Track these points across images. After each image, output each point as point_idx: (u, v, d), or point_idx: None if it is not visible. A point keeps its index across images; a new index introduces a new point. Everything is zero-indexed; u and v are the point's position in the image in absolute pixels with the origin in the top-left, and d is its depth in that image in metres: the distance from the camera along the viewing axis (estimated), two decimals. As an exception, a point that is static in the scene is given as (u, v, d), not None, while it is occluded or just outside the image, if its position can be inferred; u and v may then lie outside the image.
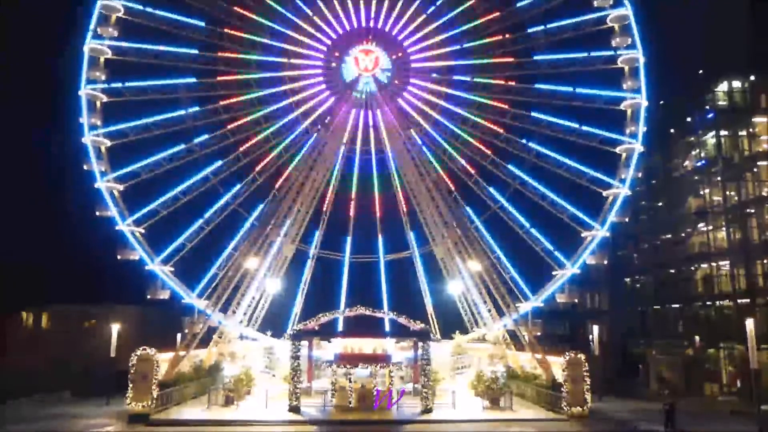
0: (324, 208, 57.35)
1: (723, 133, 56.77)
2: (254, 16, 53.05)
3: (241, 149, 52.85)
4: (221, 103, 52.73)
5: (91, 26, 48.94)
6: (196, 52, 51.70)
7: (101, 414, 39.71)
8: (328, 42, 54.70)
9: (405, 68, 55.41)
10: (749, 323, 34.48)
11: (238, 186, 52.93)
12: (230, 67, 52.75)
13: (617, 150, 50.82)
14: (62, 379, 47.57)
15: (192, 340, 45.02)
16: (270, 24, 53.49)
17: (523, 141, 52.90)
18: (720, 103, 58.05)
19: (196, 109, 51.98)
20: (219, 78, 52.42)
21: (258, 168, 53.38)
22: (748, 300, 51.27)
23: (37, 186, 74.24)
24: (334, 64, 54.71)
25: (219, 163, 52.28)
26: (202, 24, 51.71)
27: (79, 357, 51.36)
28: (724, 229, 55.23)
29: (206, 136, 52.09)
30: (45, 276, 68.42)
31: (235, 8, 52.33)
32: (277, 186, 53.30)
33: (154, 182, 50.37)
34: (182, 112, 51.59)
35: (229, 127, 52.74)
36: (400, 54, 55.08)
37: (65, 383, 47.48)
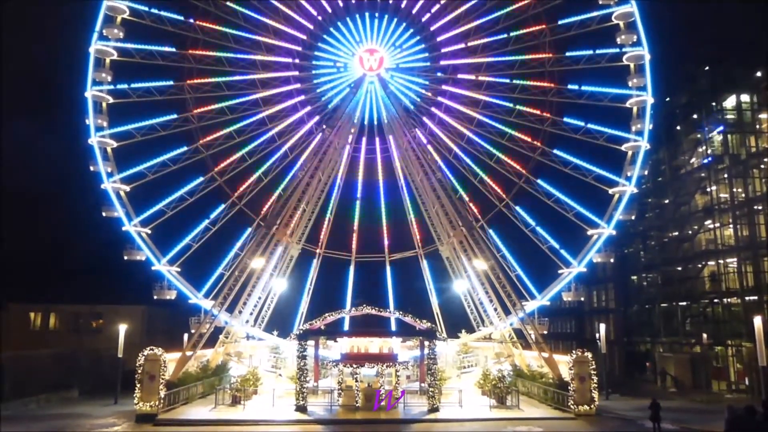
0: (330, 208, 57.43)
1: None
2: (258, 16, 53.22)
3: (245, 150, 53.03)
4: (226, 103, 52.94)
5: (97, 28, 49.18)
6: (200, 52, 51.85)
7: (108, 413, 39.78)
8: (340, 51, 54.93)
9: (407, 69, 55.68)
10: (757, 321, 34.32)
11: (244, 186, 53.10)
12: (234, 68, 52.93)
13: (623, 147, 50.71)
14: (70, 379, 47.74)
15: (199, 340, 45.11)
16: (275, 24, 53.61)
17: (528, 139, 52.85)
18: (726, 102, 57.72)
19: (201, 109, 52.18)
20: (222, 78, 52.63)
21: (263, 168, 53.57)
22: (756, 297, 51.04)
23: (44, 187, 74.54)
24: (342, 63, 54.92)
25: (225, 163, 52.48)
26: (207, 24, 51.82)
27: (86, 357, 51.49)
28: (731, 226, 54.94)
29: (211, 137, 52.28)
30: (53, 276, 68.75)
31: (238, 8, 52.50)
32: (282, 186, 53.41)
33: (160, 183, 50.61)
34: (187, 113, 51.79)
35: (233, 127, 52.92)
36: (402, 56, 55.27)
37: (73, 383, 47.66)
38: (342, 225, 58.45)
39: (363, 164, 58.33)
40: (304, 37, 54.63)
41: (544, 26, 52.40)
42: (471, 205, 54.78)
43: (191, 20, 51.34)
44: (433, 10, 55.17)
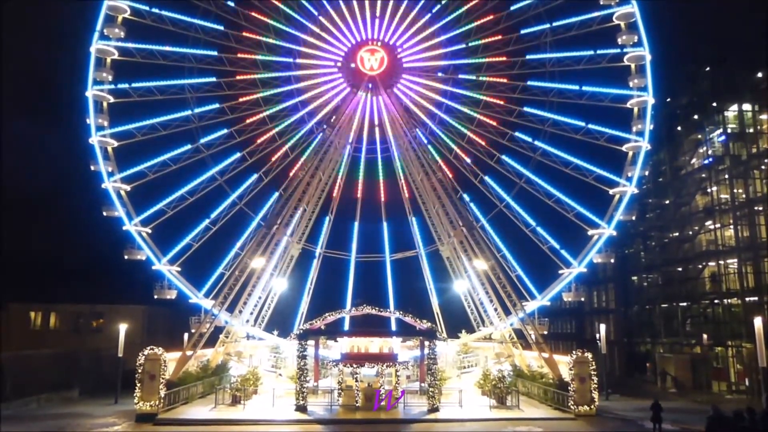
0: (330, 208, 57.41)
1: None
2: (259, 16, 53.21)
3: (246, 149, 53.03)
4: (226, 103, 52.96)
5: (98, 27, 49.19)
6: (201, 52, 51.87)
7: (109, 413, 39.84)
8: (339, 50, 54.91)
9: (410, 68, 55.62)
10: (758, 321, 34.29)
11: (244, 186, 53.14)
12: (235, 67, 52.91)
13: (624, 148, 50.71)
14: (70, 379, 47.77)
15: (199, 340, 45.16)
16: (274, 24, 53.59)
17: (529, 139, 52.88)
18: (727, 111, 57.65)
19: (202, 109, 52.21)
20: (224, 78, 52.64)
21: (264, 168, 53.56)
22: (756, 298, 51.02)
23: (44, 186, 74.69)
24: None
25: (225, 163, 52.50)
26: (207, 24, 51.85)
27: (87, 357, 51.54)
28: (731, 226, 54.90)
29: (212, 136, 52.32)
30: (53, 276, 68.77)
31: (240, 8, 52.51)
32: (283, 186, 53.42)
33: (160, 182, 50.60)
34: (188, 112, 51.85)
35: (234, 127, 52.94)
36: (405, 55, 55.25)
37: (73, 382, 47.69)
38: (343, 224, 58.44)
39: (363, 164, 58.36)
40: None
41: (545, 26, 52.40)
42: (471, 204, 54.77)
43: (192, 19, 51.28)
44: (434, 11, 55.10)
